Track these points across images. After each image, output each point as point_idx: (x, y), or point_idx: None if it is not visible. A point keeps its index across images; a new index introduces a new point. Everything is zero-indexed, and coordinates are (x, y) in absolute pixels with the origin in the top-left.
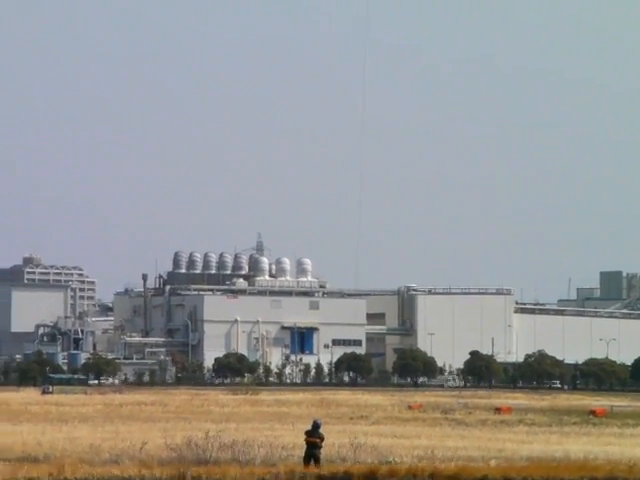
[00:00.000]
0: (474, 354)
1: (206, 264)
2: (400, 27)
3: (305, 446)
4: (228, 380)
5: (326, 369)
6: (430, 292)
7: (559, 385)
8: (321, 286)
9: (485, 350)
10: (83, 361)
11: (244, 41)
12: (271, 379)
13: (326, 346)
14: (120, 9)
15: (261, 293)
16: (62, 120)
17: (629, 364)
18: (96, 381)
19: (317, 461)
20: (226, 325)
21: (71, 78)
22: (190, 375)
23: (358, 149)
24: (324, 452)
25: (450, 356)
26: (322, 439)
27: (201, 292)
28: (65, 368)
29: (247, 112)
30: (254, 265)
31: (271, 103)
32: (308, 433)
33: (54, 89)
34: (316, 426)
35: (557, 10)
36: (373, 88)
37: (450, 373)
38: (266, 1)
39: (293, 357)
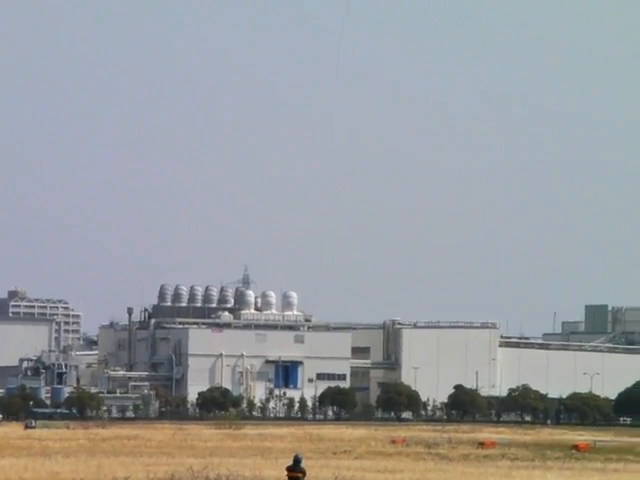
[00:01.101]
0: (458, 388)
1: (192, 297)
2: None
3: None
4: (212, 414)
5: (310, 403)
6: (415, 326)
7: (542, 418)
8: (306, 320)
9: (469, 384)
10: (66, 395)
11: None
12: (255, 413)
13: (310, 380)
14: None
15: (246, 327)
16: (48, 152)
17: (612, 398)
18: (89, 414)
19: None
20: (210, 359)
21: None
22: (174, 409)
23: (343, 180)
24: None
25: (434, 390)
26: (304, 473)
27: (186, 325)
28: (48, 402)
29: (234, 145)
30: (240, 298)
31: (259, 135)
32: (289, 468)
33: (34, 118)
34: (297, 460)
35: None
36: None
37: (434, 407)
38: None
39: (277, 391)
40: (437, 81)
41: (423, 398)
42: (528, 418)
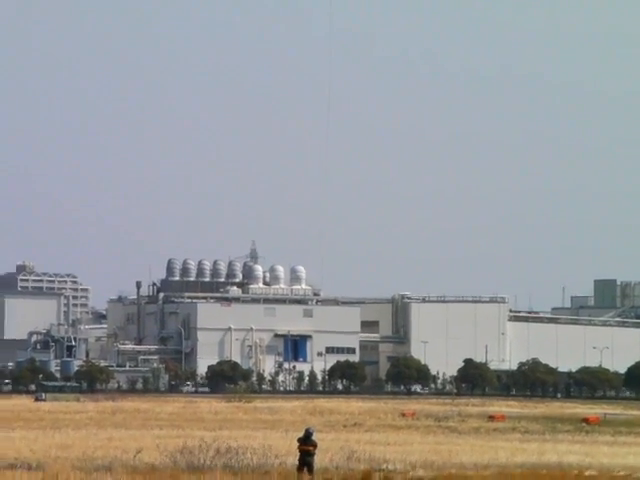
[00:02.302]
0: (468, 362)
1: (200, 272)
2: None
3: (298, 454)
4: (221, 388)
5: (319, 377)
6: (424, 300)
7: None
8: (315, 294)
9: (479, 358)
10: (76, 369)
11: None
12: (264, 387)
13: (319, 354)
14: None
15: (255, 301)
16: (55, 128)
17: (622, 372)
18: (99, 387)
19: (310, 469)
20: (219, 333)
21: (62, 85)
22: (183, 383)
23: (351, 155)
24: (317, 459)
25: (444, 364)
26: (315, 446)
27: (195, 300)
28: (58, 376)
29: (241, 119)
30: (248, 273)
31: (266, 111)
32: (301, 441)
33: (44, 98)
34: (309, 434)
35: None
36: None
37: (444, 381)
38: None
39: (286, 365)
40: (438, 52)
41: (432, 372)
42: (538, 392)
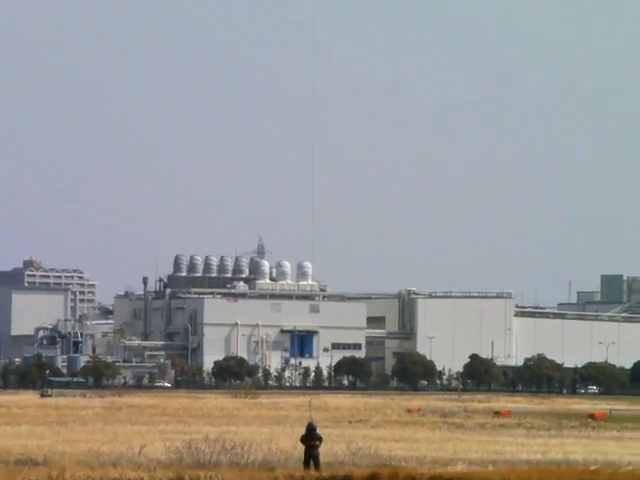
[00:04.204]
0: (473, 357)
1: (207, 267)
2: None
3: (304, 449)
4: (228, 383)
5: (325, 373)
6: (430, 296)
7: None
8: (321, 289)
9: (485, 354)
10: (82, 364)
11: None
12: (270, 382)
13: (325, 350)
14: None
15: (261, 296)
16: (62, 123)
17: (628, 368)
18: (105, 383)
19: (317, 463)
20: (226, 328)
21: (68, 80)
22: (189, 378)
23: (359, 151)
24: (322, 455)
25: (450, 359)
26: (320, 440)
27: (201, 295)
28: (64, 371)
29: (247, 114)
30: (255, 268)
31: (272, 103)
32: (305, 438)
33: (51, 93)
34: (312, 428)
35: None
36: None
37: (450, 377)
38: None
39: (292, 361)
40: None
41: (438, 367)
42: (544, 387)
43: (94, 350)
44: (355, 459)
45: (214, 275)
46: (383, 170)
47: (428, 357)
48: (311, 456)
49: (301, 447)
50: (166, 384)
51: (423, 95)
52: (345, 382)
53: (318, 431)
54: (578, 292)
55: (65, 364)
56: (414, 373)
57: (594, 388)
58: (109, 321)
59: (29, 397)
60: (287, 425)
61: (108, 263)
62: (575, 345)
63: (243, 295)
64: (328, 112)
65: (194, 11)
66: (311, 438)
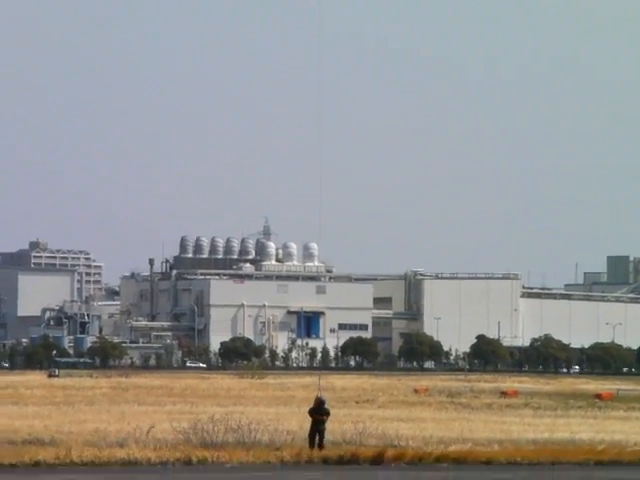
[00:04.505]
0: (480, 338)
1: (213, 249)
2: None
3: (311, 422)
4: (234, 364)
5: (332, 353)
6: (437, 276)
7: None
8: (328, 271)
9: (491, 334)
10: (89, 345)
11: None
12: (277, 363)
13: (332, 330)
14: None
15: (268, 278)
16: (66, 105)
17: (635, 348)
18: (112, 363)
19: (322, 438)
20: (232, 309)
21: (74, 66)
22: (196, 359)
23: (365, 133)
24: (328, 435)
25: (456, 340)
26: (328, 414)
27: (207, 277)
28: (71, 352)
29: (251, 96)
30: (261, 250)
31: (279, 85)
32: (313, 411)
33: (59, 76)
34: (321, 402)
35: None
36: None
37: (457, 357)
38: None
39: (299, 341)
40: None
41: (445, 348)
42: (550, 368)
43: (101, 331)
44: (362, 439)
45: (220, 256)
46: (390, 151)
47: (435, 338)
48: (317, 430)
49: (307, 427)
50: (201, 364)
51: (430, 71)
52: (352, 363)
53: (327, 406)
54: (585, 273)
55: (72, 345)
56: (421, 353)
57: (576, 368)
58: (115, 302)
59: (36, 378)
60: (294, 405)
61: (114, 244)
62: (582, 326)
63: (249, 276)
64: (336, 94)
65: None
66: (319, 412)
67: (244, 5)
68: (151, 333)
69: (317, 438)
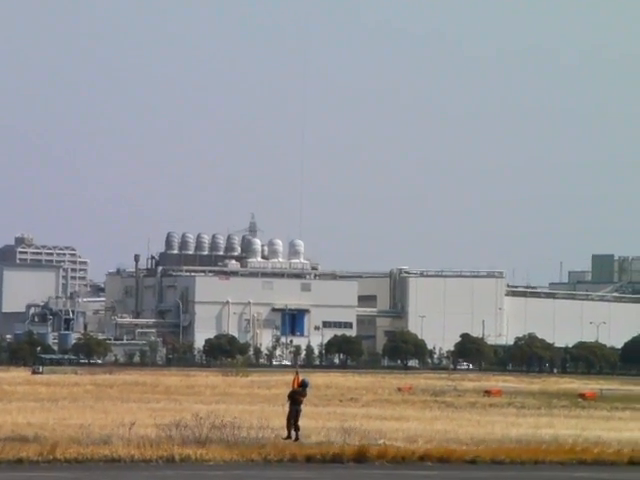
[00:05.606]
0: (465, 336)
1: (198, 245)
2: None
3: (288, 406)
4: (218, 361)
5: (316, 351)
6: (422, 274)
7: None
8: (313, 268)
9: (476, 333)
10: (74, 341)
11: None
12: (261, 360)
13: (317, 328)
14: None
15: (253, 275)
16: (51, 100)
17: (619, 347)
18: (97, 360)
19: (297, 420)
20: (217, 306)
21: (64, 64)
22: (181, 356)
23: (350, 130)
24: (312, 427)
25: (441, 338)
26: (304, 396)
27: (193, 273)
28: (55, 348)
29: (238, 94)
30: (246, 246)
31: (265, 82)
32: (295, 391)
33: (47, 77)
34: (304, 384)
35: None
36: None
37: (441, 356)
38: None
39: (284, 339)
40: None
41: (429, 346)
42: (534, 367)
43: (85, 327)
44: (345, 437)
45: (206, 253)
46: (374, 148)
47: (419, 336)
48: (295, 410)
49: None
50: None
51: (417, 55)
52: (336, 360)
53: (309, 389)
54: (569, 272)
55: (56, 341)
56: (405, 352)
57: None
58: (100, 298)
59: (20, 374)
60: (278, 403)
61: (100, 240)
62: (566, 325)
63: (235, 273)
64: (319, 92)
65: None
66: (300, 393)
67: (229, 8)
68: (136, 330)
69: (293, 422)
